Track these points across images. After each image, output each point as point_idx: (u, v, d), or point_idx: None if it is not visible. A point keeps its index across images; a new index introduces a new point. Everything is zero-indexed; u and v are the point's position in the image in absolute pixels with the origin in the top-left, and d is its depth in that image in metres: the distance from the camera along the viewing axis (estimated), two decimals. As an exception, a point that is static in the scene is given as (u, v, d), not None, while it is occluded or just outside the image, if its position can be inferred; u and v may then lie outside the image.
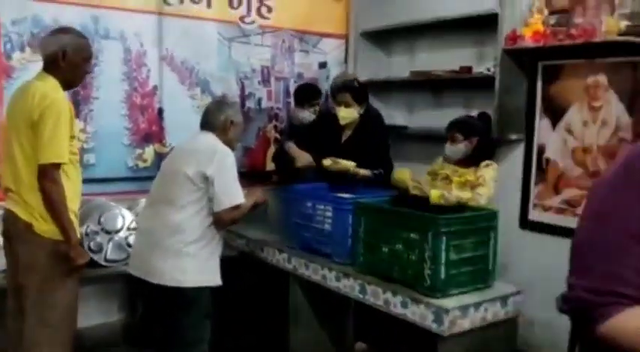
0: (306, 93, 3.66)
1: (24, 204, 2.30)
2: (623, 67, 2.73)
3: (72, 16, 3.21)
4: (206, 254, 2.52)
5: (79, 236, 2.42)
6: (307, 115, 3.58)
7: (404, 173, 2.56)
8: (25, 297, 2.34)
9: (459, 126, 2.79)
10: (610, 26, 2.61)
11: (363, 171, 2.99)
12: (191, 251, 2.46)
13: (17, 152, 2.30)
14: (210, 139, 2.58)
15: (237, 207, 2.49)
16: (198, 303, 2.50)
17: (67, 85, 2.40)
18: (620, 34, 2.59)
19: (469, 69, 3.31)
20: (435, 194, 2.41)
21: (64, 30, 2.49)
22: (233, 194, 2.48)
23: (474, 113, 3.17)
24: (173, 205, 2.47)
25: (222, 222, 2.50)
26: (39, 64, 3.07)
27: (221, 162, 2.47)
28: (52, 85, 2.32)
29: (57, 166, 2.25)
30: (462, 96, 3.49)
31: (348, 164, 2.92)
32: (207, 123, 2.62)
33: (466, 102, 3.46)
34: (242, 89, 3.94)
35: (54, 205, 2.26)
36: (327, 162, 2.94)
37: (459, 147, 2.76)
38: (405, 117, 3.86)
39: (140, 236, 2.64)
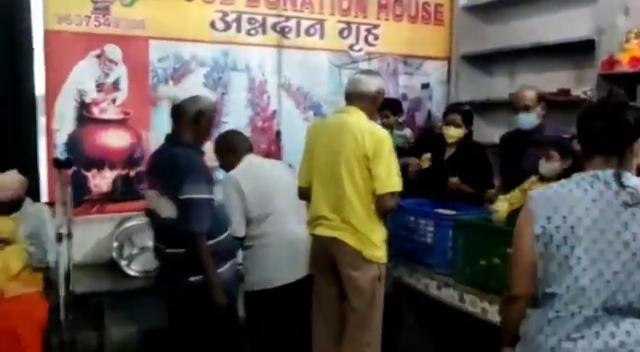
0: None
1: (353, 231, 2.65)
2: None
3: (206, 52, 3.73)
4: None
5: None
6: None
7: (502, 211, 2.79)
8: (348, 321, 2.73)
9: (556, 144, 2.91)
10: None
11: (466, 188, 3.31)
12: None
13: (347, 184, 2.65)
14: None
15: None
16: None
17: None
18: None
19: (567, 91, 3.45)
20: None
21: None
22: None
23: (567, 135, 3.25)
24: None
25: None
26: (180, 95, 3.64)
27: None
28: (372, 123, 2.71)
29: None
30: (561, 116, 3.62)
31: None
32: None
33: (566, 122, 3.59)
34: (350, 111, 4.30)
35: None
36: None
37: (555, 166, 2.85)
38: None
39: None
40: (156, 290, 2.63)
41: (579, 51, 3.39)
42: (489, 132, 3.94)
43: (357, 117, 2.72)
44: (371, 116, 2.78)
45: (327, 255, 2.77)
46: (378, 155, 2.60)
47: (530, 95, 3.24)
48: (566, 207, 1.59)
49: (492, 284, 2.65)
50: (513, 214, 2.80)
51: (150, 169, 2.58)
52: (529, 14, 3.90)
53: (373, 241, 2.68)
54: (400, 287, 3.22)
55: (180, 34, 3.64)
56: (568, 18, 3.59)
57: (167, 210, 2.37)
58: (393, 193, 2.64)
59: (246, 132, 3.93)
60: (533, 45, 3.66)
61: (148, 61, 3.58)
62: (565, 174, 2.88)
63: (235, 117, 3.87)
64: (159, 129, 3.60)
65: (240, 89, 3.88)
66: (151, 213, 2.54)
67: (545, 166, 2.85)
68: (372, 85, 2.77)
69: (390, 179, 2.62)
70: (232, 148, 3.04)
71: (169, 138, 2.50)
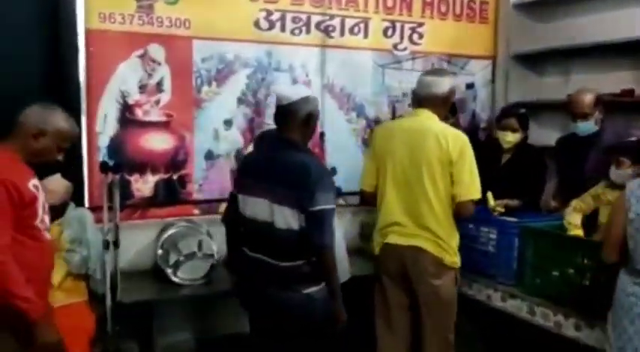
0: None
1: (433, 237, 2.61)
2: None
3: (250, 52, 3.60)
4: None
5: None
6: None
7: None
8: (425, 326, 2.70)
9: (626, 151, 2.77)
10: None
11: (512, 203, 3.13)
12: None
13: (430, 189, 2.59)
14: None
15: None
16: None
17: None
18: None
19: (631, 92, 3.31)
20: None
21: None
22: None
23: (633, 138, 3.13)
24: None
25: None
26: (223, 96, 3.54)
27: None
28: (451, 127, 2.70)
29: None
30: (621, 118, 3.48)
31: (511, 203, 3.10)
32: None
33: (626, 125, 3.45)
34: (393, 112, 4.16)
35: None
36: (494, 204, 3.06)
37: (627, 172, 2.71)
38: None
39: None
40: (258, 299, 2.44)
41: (639, 50, 3.25)
42: (539, 134, 3.79)
43: (434, 121, 2.65)
44: (442, 117, 2.68)
45: (400, 264, 2.68)
46: (462, 160, 2.55)
47: (588, 101, 3.13)
48: None
49: (567, 295, 2.52)
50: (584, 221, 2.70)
51: (255, 174, 2.38)
52: (583, 12, 3.75)
53: (452, 247, 2.66)
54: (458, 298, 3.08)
55: (224, 34, 3.51)
56: (626, 16, 3.44)
57: (287, 220, 2.24)
58: (473, 200, 2.59)
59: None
60: (591, 44, 3.51)
61: (192, 61, 3.46)
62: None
63: (278, 119, 3.74)
64: (203, 131, 3.52)
65: (283, 90, 3.75)
66: (245, 221, 2.40)
67: (616, 173, 2.73)
68: (444, 85, 2.69)
69: (473, 186, 2.57)
70: None
71: (281, 141, 2.35)
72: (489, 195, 3.02)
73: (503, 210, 3.02)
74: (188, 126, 3.48)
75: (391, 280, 2.75)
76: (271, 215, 2.26)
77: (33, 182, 2.09)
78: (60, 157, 2.23)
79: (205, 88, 3.52)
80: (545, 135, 3.86)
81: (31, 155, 2.13)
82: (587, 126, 3.15)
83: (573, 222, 2.70)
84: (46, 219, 2.17)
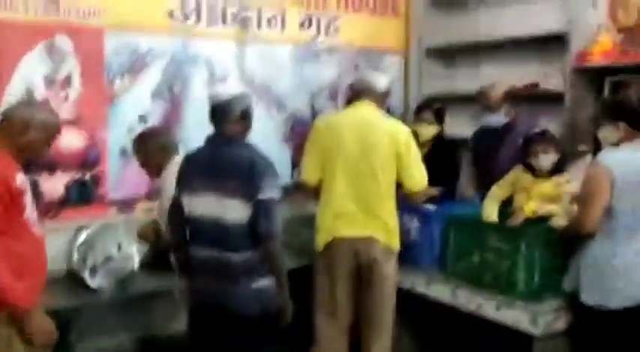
0: None
1: (383, 226, 2.71)
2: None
3: (165, 45, 3.48)
4: None
5: None
6: None
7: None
8: (373, 316, 2.77)
9: (548, 139, 2.88)
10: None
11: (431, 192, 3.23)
12: None
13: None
14: None
15: None
16: None
17: None
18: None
19: (536, 85, 3.50)
20: (529, 209, 2.64)
21: None
22: None
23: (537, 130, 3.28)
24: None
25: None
26: (137, 90, 3.41)
27: None
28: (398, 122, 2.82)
29: None
30: (527, 111, 3.66)
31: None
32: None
33: (535, 116, 3.63)
34: (312, 106, 4.18)
35: None
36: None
37: (550, 159, 2.82)
38: (471, 130, 4.03)
39: None
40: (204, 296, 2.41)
41: (546, 44, 3.44)
42: (453, 126, 3.91)
43: (378, 114, 2.79)
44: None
45: (351, 256, 2.74)
46: (408, 154, 2.70)
47: (496, 96, 3.36)
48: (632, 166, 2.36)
49: (487, 278, 2.64)
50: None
51: (200, 172, 2.36)
52: (494, 6, 3.94)
53: (397, 232, 2.78)
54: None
55: (136, 25, 3.37)
56: (534, 11, 3.64)
57: (237, 214, 2.24)
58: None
59: (208, 127, 3.73)
60: (500, 39, 3.68)
61: (103, 53, 3.29)
62: (556, 166, 2.90)
63: (194, 114, 3.65)
64: (117, 127, 3.36)
65: (200, 84, 3.66)
66: (193, 220, 2.38)
67: (544, 159, 2.84)
68: (382, 81, 2.86)
69: (422, 176, 2.75)
70: (164, 147, 2.99)
71: (222, 139, 2.39)
72: None
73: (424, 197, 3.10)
74: (100, 122, 3.31)
75: (341, 274, 2.78)
76: (222, 210, 2.27)
77: (20, 176, 2.11)
78: (48, 150, 2.30)
79: (118, 82, 3.36)
80: (459, 126, 4.02)
81: (19, 150, 2.14)
82: (497, 118, 3.34)
83: (491, 218, 2.81)
84: (34, 214, 2.20)
